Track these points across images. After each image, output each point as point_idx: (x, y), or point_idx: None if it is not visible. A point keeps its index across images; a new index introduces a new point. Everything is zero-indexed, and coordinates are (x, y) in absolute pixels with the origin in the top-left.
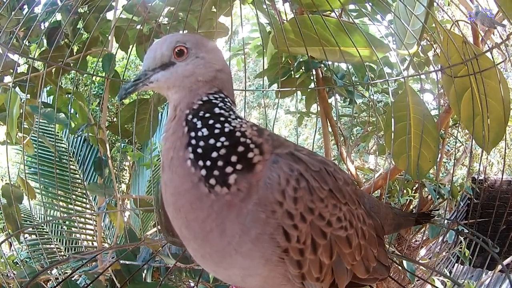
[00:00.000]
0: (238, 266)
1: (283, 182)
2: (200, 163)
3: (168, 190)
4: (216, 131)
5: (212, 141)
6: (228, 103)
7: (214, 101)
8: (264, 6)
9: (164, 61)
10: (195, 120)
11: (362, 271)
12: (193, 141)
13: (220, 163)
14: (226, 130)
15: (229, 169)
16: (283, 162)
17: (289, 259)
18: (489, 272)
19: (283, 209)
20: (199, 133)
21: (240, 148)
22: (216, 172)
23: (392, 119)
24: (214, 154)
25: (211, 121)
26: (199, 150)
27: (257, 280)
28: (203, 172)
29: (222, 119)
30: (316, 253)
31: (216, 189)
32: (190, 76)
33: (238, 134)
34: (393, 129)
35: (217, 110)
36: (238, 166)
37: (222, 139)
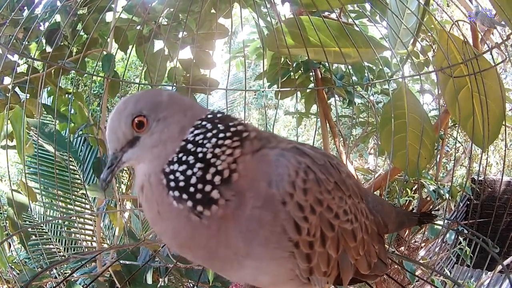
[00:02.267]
0: (249, 266)
1: (292, 174)
2: (184, 196)
3: (167, 236)
4: (192, 160)
5: (189, 172)
6: (204, 126)
7: (189, 137)
8: (265, 10)
9: (128, 138)
10: (171, 166)
11: (365, 267)
12: (172, 184)
13: (200, 185)
14: (200, 155)
15: (208, 188)
16: (290, 155)
17: (299, 252)
18: (489, 272)
19: (294, 200)
20: (177, 173)
21: (212, 170)
22: (199, 196)
23: (392, 118)
24: (193, 180)
25: (185, 157)
26: (181, 184)
27: (269, 277)
28: (189, 203)
29: (192, 149)
30: (325, 246)
31: (206, 213)
32: (158, 145)
33: (209, 156)
34: (392, 128)
35: (189, 146)
36: (216, 180)
37: (198, 165)
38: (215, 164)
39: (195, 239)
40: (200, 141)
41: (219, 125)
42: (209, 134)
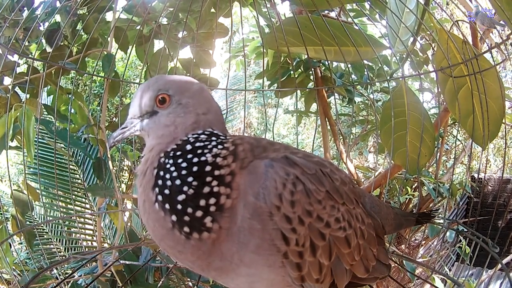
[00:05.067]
0: (244, 274)
1: (279, 187)
2: (167, 206)
3: (150, 232)
4: (184, 172)
5: (178, 181)
6: (209, 134)
7: (190, 139)
8: (265, 10)
9: (147, 110)
10: (166, 160)
11: (362, 271)
12: (160, 182)
13: (189, 209)
14: (195, 169)
15: (199, 213)
16: (279, 166)
17: (288, 262)
18: (489, 270)
19: (281, 213)
20: (167, 175)
21: (206, 189)
22: (186, 218)
23: (392, 116)
24: (181, 197)
25: (180, 160)
26: (166, 191)
27: (264, 284)
28: (173, 217)
29: (190, 156)
30: (315, 255)
31: (194, 235)
32: (170, 125)
33: (208, 168)
34: (392, 125)
35: (188, 147)
36: (212, 208)
37: (190, 179)
38: (210, 184)
39: (182, 253)
40: (199, 150)
41: (213, 137)
42: (209, 145)
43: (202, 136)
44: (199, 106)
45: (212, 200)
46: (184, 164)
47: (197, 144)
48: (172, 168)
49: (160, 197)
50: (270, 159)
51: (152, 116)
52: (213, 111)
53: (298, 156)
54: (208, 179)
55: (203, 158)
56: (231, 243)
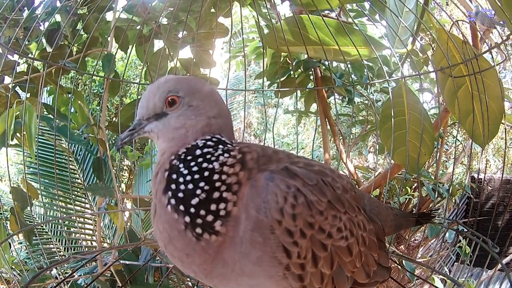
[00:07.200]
0: (245, 284)
1: (280, 200)
2: (181, 208)
3: (158, 236)
4: (196, 176)
5: (190, 185)
6: (216, 141)
7: (199, 144)
8: (265, 11)
9: (156, 111)
10: (178, 163)
11: (363, 277)
12: (173, 186)
13: (202, 212)
14: (206, 174)
15: (210, 218)
16: (279, 179)
17: (290, 273)
18: (489, 271)
19: (282, 227)
20: (181, 178)
21: (216, 194)
22: (199, 220)
23: (392, 115)
24: (195, 201)
25: (192, 163)
26: (180, 194)
27: None
28: (187, 219)
29: (200, 160)
30: (317, 266)
31: (205, 236)
32: (180, 128)
33: (216, 177)
34: (392, 125)
35: (198, 151)
36: (222, 213)
37: (202, 184)
38: (219, 189)
39: (189, 256)
40: (208, 156)
41: (220, 145)
42: (215, 153)
43: (209, 142)
44: (210, 109)
45: (222, 205)
46: (195, 168)
47: (205, 150)
48: (185, 172)
49: (173, 200)
50: (270, 171)
51: (162, 118)
52: (223, 114)
53: (299, 166)
54: (217, 184)
55: (210, 166)
56: (234, 251)
